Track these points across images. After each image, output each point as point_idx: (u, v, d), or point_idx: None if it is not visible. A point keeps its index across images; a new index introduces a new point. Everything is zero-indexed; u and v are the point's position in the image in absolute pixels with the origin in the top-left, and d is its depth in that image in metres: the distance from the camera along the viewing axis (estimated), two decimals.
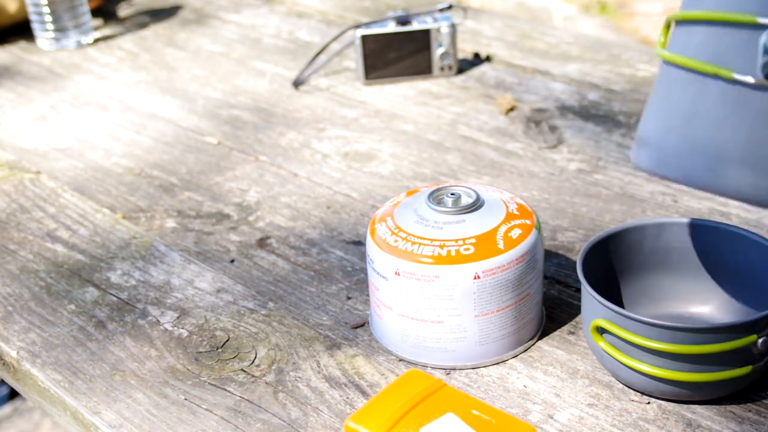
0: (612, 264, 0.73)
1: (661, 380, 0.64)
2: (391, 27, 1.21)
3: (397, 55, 1.22)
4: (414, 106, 1.17)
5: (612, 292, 0.73)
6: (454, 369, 0.72)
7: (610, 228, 0.73)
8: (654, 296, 0.74)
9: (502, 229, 0.70)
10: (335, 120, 1.14)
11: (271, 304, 0.81)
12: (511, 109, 1.14)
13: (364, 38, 1.20)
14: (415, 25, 1.21)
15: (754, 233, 0.70)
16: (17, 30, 1.47)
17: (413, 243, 0.69)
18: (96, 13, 1.53)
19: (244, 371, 0.73)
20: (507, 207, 0.72)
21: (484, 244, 0.69)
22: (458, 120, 1.13)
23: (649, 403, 0.67)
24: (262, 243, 0.90)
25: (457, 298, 0.69)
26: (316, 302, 0.81)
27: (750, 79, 0.55)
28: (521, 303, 0.71)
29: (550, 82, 1.22)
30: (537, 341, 0.75)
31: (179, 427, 0.68)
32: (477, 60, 1.29)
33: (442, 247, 0.68)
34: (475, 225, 0.70)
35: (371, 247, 0.72)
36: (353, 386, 0.71)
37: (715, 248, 0.72)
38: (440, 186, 0.74)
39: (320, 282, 0.83)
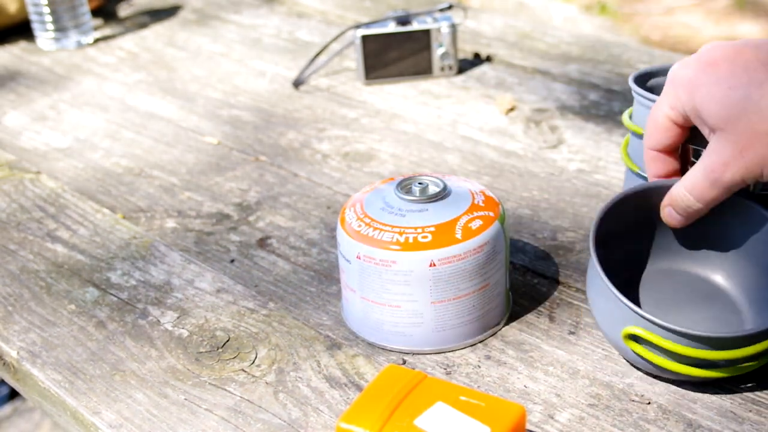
0: (630, 220, 0.73)
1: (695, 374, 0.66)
2: (391, 27, 1.21)
3: (397, 55, 1.22)
4: (414, 106, 1.17)
5: (628, 249, 0.73)
6: (412, 353, 0.74)
7: (630, 189, 0.72)
8: (665, 248, 0.75)
9: (463, 219, 0.71)
10: (335, 120, 1.14)
11: (271, 304, 0.81)
12: (511, 109, 1.14)
13: (364, 38, 1.20)
14: (415, 25, 1.21)
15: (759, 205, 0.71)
16: (17, 30, 1.47)
17: (375, 229, 0.71)
18: (96, 13, 1.53)
19: (245, 371, 0.73)
20: (473, 198, 0.74)
21: (443, 233, 0.70)
22: (458, 120, 1.13)
23: (649, 403, 0.67)
24: (262, 243, 0.90)
25: (413, 284, 0.70)
26: (316, 302, 0.81)
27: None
28: (480, 293, 0.73)
29: (551, 82, 1.22)
30: (500, 329, 0.76)
31: (179, 427, 0.68)
32: (477, 60, 1.29)
33: (401, 234, 0.70)
34: (437, 214, 0.72)
35: (339, 232, 0.74)
36: (353, 386, 0.71)
37: (720, 214, 0.72)
38: (413, 175, 0.76)
39: (320, 282, 0.83)
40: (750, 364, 0.66)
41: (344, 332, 0.76)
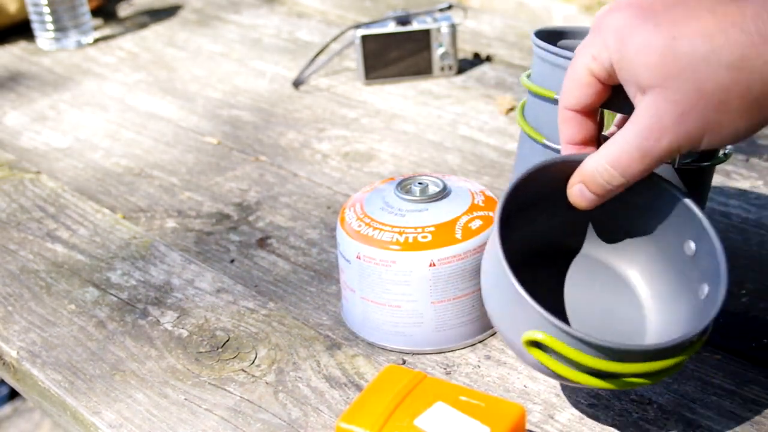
0: (534, 199, 0.64)
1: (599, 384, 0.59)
2: (391, 27, 1.21)
3: (397, 55, 1.22)
4: (414, 106, 1.17)
5: (536, 228, 0.65)
6: (412, 353, 0.73)
7: (535, 165, 0.62)
8: (569, 233, 0.67)
9: (463, 219, 0.72)
10: (335, 120, 1.14)
11: (271, 304, 0.81)
12: (511, 109, 1.14)
13: (364, 38, 1.20)
14: (415, 25, 1.21)
15: (684, 194, 0.63)
16: (17, 30, 1.47)
17: (375, 228, 0.71)
18: (96, 13, 1.53)
19: (244, 371, 0.73)
20: (473, 198, 0.74)
21: (443, 233, 0.70)
22: (458, 120, 1.13)
23: (649, 403, 0.67)
24: (262, 243, 0.90)
25: (413, 284, 0.70)
26: (316, 302, 0.81)
27: (556, 146, 0.65)
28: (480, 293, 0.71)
29: None
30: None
31: (179, 427, 0.68)
32: (477, 60, 1.29)
33: (401, 233, 0.70)
34: (437, 214, 0.72)
35: (339, 231, 0.74)
36: (353, 386, 0.71)
37: (629, 194, 0.63)
38: (413, 175, 0.76)
39: (320, 282, 0.83)
40: (657, 376, 0.59)
41: (344, 332, 0.76)
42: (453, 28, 1.21)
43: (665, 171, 0.65)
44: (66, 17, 1.40)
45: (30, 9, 1.40)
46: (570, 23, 3.26)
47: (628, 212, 0.64)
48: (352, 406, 0.60)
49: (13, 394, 1.88)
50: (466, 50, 1.32)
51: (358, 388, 0.70)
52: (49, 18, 1.39)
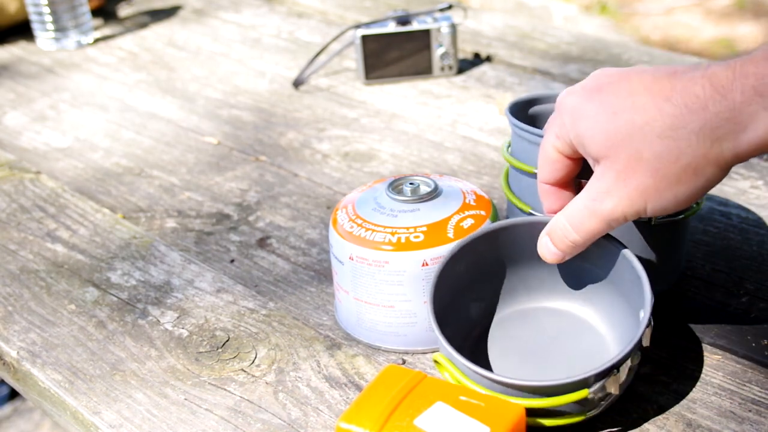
0: (484, 261, 0.70)
1: None
2: (391, 27, 1.21)
3: (397, 55, 1.22)
4: (414, 106, 1.17)
5: (483, 290, 0.71)
6: (407, 353, 0.73)
7: (480, 230, 0.70)
8: (519, 289, 0.72)
9: (455, 218, 0.72)
10: (335, 120, 1.14)
11: (271, 304, 0.81)
12: None
13: (364, 38, 1.20)
14: (415, 25, 1.21)
15: (625, 249, 0.66)
16: (17, 30, 1.47)
17: (367, 229, 0.71)
18: (96, 13, 1.53)
19: (244, 371, 0.73)
20: (465, 197, 0.74)
21: (435, 233, 0.70)
22: (458, 120, 1.13)
23: (649, 403, 0.67)
24: (262, 243, 0.90)
25: (406, 284, 0.71)
26: (316, 302, 0.81)
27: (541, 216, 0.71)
28: None
29: (551, 82, 1.22)
30: None
31: (179, 427, 0.68)
32: (477, 60, 1.29)
33: (393, 234, 0.70)
34: (429, 214, 0.72)
35: (331, 233, 0.74)
36: (353, 386, 0.71)
37: (585, 252, 0.68)
38: (404, 176, 0.76)
39: (320, 282, 0.83)
40: (551, 421, 0.62)
41: (344, 332, 0.76)
42: (453, 28, 1.21)
43: (643, 228, 0.71)
44: (66, 17, 1.40)
45: (30, 9, 1.40)
46: (570, 23, 3.25)
47: (580, 269, 0.70)
48: (352, 406, 0.60)
49: (13, 394, 1.88)
50: (466, 50, 1.32)
51: (358, 388, 0.70)
52: (49, 18, 1.39)
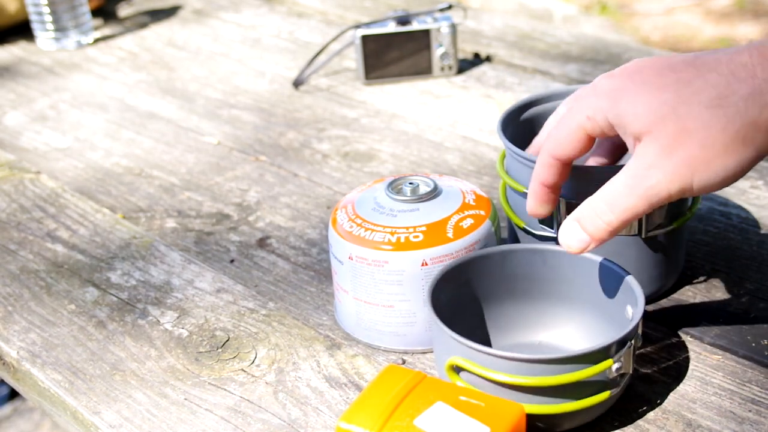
0: (462, 295, 0.71)
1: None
2: (391, 27, 1.21)
3: (397, 55, 1.22)
4: (414, 106, 1.17)
5: (464, 325, 0.68)
6: (407, 353, 0.73)
7: (454, 260, 0.70)
8: (503, 326, 0.72)
9: (455, 218, 0.72)
10: (335, 120, 1.14)
11: (271, 304, 0.81)
12: None
13: (364, 38, 1.20)
14: (415, 25, 1.21)
15: (602, 257, 0.67)
16: (17, 30, 1.47)
17: (366, 229, 0.71)
18: (96, 13, 1.53)
19: (244, 371, 0.73)
20: (464, 197, 0.74)
21: (434, 233, 0.70)
22: (458, 120, 1.13)
23: (649, 403, 0.67)
24: (262, 243, 0.90)
25: (406, 283, 0.71)
26: (316, 302, 0.81)
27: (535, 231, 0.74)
28: None
29: (551, 82, 1.22)
30: None
31: (179, 427, 0.68)
32: (477, 60, 1.29)
33: (393, 234, 0.70)
34: (428, 214, 0.72)
35: (331, 233, 0.74)
36: (353, 386, 0.71)
37: (561, 273, 0.70)
38: (403, 175, 0.76)
39: (320, 282, 0.83)
40: (574, 405, 0.62)
41: (344, 332, 0.76)
42: (453, 28, 1.21)
43: (634, 243, 0.71)
44: (66, 17, 1.40)
45: (30, 9, 1.40)
46: (570, 23, 3.25)
47: (563, 286, 0.71)
48: (352, 406, 0.60)
49: (13, 394, 1.88)
50: (466, 50, 1.32)
51: (358, 388, 0.70)
52: (49, 18, 1.39)
